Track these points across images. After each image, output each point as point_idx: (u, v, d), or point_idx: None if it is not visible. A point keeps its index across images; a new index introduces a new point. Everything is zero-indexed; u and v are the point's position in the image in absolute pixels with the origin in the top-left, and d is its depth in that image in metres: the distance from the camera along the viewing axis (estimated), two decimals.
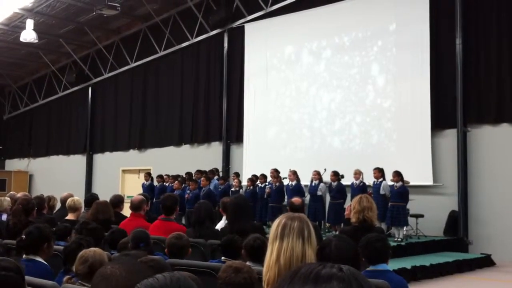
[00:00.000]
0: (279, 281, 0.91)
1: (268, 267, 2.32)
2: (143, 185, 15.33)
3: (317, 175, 12.02)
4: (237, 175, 14.16)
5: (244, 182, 13.57)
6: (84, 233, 4.37)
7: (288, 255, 2.30)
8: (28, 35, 16.47)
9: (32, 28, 16.51)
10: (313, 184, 12.02)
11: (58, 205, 7.78)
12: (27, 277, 2.39)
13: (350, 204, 4.83)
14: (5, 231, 5.53)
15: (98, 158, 21.14)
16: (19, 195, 7.53)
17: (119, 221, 6.01)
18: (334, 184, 11.79)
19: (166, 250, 4.31)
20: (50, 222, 5.45)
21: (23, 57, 21.47)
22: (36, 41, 16.91)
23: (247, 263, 3.46)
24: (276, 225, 2.44)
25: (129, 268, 1.64)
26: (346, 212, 5.00)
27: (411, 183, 11.20)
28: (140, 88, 19.27)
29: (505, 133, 11.47)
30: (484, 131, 11.75)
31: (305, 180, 12.27)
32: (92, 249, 3.26)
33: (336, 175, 11.78)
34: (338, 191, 11.74)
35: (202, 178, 13.28)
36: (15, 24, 17.68)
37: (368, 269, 3.39)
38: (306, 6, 14.57)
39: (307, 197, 11.94)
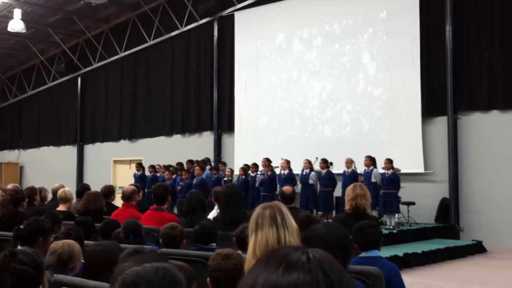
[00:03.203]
0: (256, 260, 0.90)
1: (249, 261, 2.33)
2: (134, 175, 15.29)
3: (308, 164, 12.04)
4: (224, 164, 14.17)
5: (236, 172, 13.57)
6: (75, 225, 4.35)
7: (263, 246, 2.31)
8: (16, 24, 16.28)
9: (20, 17, 16.33)
10: (304, 173, 12.05)
11: (50, 197, 7.74)
12: None
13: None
14: None
15: (89, 148, 21.03)
16: (9, 186, 7.47)
17: (111, 211, 5.98)
18: (324, 171, 11.84)
19: (160, 240, 4.30)
20: (41, 213, 5.41)
21: (11, 47, 21.23)
22: (24, 30, 16.73)
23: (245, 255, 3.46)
24: (252, 218, 2.45)
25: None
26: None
27: (402, 171, 11.26)
28: (130, 78, 19.15)
29: (495, 120, 11.53)
30: (475, 118, 11.81)
31: (297, 169, 12.30)
32: (62, 240, 3.26)
33: (325, 163, 11.84)
34: (328, 178, 11.80)
35: (197, 168, 13.27)
36: (3, 13, 17.45)
37: (360, 255, 3.40)
38: None
39: (299, 186, 11.97)
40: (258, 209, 2.46)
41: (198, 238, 4.23)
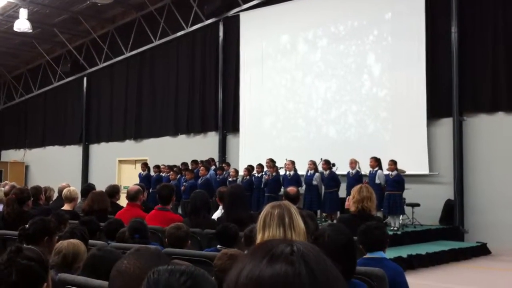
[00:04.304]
0: (247, 250, 0.90)
1: None
2: (139, 175, 15.32)
3: (313, 164, 12.04)
4: (228, 164, 14.19)
5: (241, 172, 13.58)
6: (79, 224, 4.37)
7: None
8: (22, 24, 16.36)
9: (26, 17, 16.40)
10: (308, 174, 12.05)
11: (55, 196, 7.77)
12: None
13: (350, 196, 4.85)
14: (1, 221, 5.52)
15: (94, 148, 21.09)
16: (7, 187, 7.52)
17: (115, 211, 6.00)
18: (326, 173, 11.83)
19: (165, 240, 4.32)
20: (46, 212, 5.44)
21: (17, 47, 21.33)
22: (30, 30, 16.81)
23: (245, 252, 3.47)
24: (260, 216, 2.44)
25: (141, 265, 1.64)
26: (347, 203, 5.01)
27: (407, 172, 11.24)
28: (135, 78, 19.20)
29: (500, 121, 11.49)
30: (480, 120, 11.77)
31: (301, 170, 12.29)
32: (68, 240, 3.26)
33: (327, 164, 11.83)
34: (331, 179, 11.78)
35: (201, 168, 13.29)
36: (9, 13, 17.54)
37: (365, 256, 3.40)
38: None
39: (303, 187, 11.97)
40: (267, 208, 2.46)
41: (220, 239, 4.23)
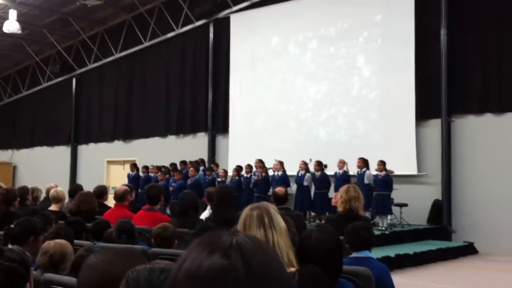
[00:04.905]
0: (194, 241, 0.90)
1: None
2: (128, 176, 15.29)
3: (304, 165, 12.09)
4: (217, 165, 14.21)
5: (230, 173, 13.58)
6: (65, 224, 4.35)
7: None
8: (12, 25, 16.24)
9: (16, 18, 16.28)
10: (299, 175, 12.09)
11: (43, 196, 7.73)
12: None
13: (337, 193, 4.88)
14: None
15: (83, 149, 21.00)
16: None
17: (103, 211, 5.98)
18: (318, 174, 11.88)
19: (152, 240, 4.31)
20: (33, 212, 5.41)
21: (6, 48, 21.16)
22: (20, 31, 16.69)
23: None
24: (240, 219, 2.45)
25: (107, 259, 1.66)
26: (334, 200, 5.04)
27: (396, 173, 11.31)
28: (125, 79, 19.14)
29: (489, 123, 11.58)
30: (469, 121, 11.85)
31: (291, 171, 12.32)
32: (55, 240, 3.25)
33: (320, 165, 11.88)
34: (322, 180, 11.84)
35: (191, 169, 13.27)
36: None
37: (351, 256, 3.42)
38: None
39: (293, 187, 12.00)
40: (246, 210, 2.48)
41: None
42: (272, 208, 2.51)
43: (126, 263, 1.65)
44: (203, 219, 5.71)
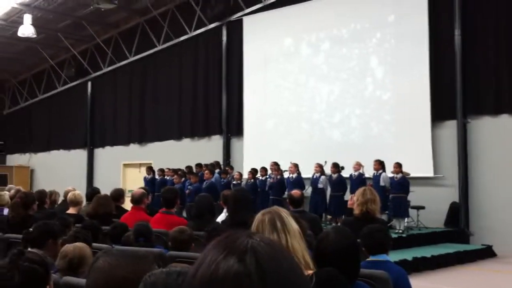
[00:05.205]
0: (214, 240, 0.90)
1: None
2: (145, 179, 15.37)
3: (319, 167, 12.05)
4: (232, 168, 14.23)
5: (245, 175, 13.59)
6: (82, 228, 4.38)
7: None
8: (26, 30, 16.42)
9: (30, 23, 16.47)
10: (314, 177, 12.05)
11: (60, 200, 7.80)
12: None
13: (353, 195, 4.85)
14: (6, 225, 5.54)
15: (99, 152, 21.15)
16: (12, 191, 7.55)
17: (120, 214, 6.02)
18: (335, 176, 11.82)
19: (169, 243, 4.33)
20: (51, 216, 5.46)
21: (21, 52, 21.43)
22: (35, 36, 16.88)
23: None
24: (253, 225, 2.45)
25: (114, 262, 1.68)
26: (350, 202, 5.01)
27: (412, 175, 11.23)
28: (139, 82, 19.26)
29: (504, 124, 11.46)
30: (484, 122, 11.74)
31: (305, 173, 12.30)
32: (74, 244, 3.27)
33: (336, 167, 11.81)
34: (339, 183, 11.78)
35: (206, 171, 13.30)
36: (13, 19, 17.63)
37: (368, 259, 3.40)
38: None
39: (308, 190, 11.96)
40: (258, 216, 2.48)
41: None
42: (284, 212, 2.51)
43: (132, 266, 1.66)
44: (219, 222, 5.73)
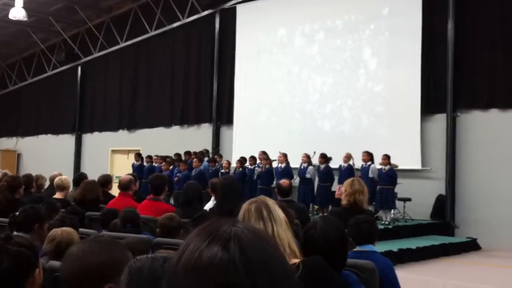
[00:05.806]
0: (196, 229, 0.89)
1: None
2: (133, 165, 15.33)
3: (306, 158, 12.06)
4: (220, 156, 14.23)
5: (234, 164, 13.59)
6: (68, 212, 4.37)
7: None
8: (18, 12, 16.19)
9: (22, 5, 16.24)
10: (302, 167, 12.06)
11: (47, 184, 7.76)
12: None
13: (341, 185, 4.86)
14: None
15: (87, 138, 21.04)
16: None
17: (107, 200, 6.00)
18: (322, 166, 11.86)
19: (157, 230, 4.33)
20: (38, 200, 5.43)
21: (12, 35, 21.16)
22: (26, 19, 16.65)
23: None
24: (240, 214, 2.46)
25: (87, 249, 1.68)
26: (337, 193, 5.03)
27: (400, 167, 11.29)
28: (130, 68, 19.13)
29: (494, 118, 11.54)
30: (474, 116, 11.80)
31: (295, 163, 12.31)
32: (62, 228, 3.26)
33: (324, 158, 11.84)
34: (326, 174, 11.81)
35: (195, 159, 13.29)
36: (4, 1, 17.37)
37: (354, 249, 3.42)
38: None
39: (296, 180, 11.99)
40: (244, 205, 2.49)
41: None
42: (270, 201, 2.52)
43: (105, 253, 1.66)
44: (207, 210, 5.73)
